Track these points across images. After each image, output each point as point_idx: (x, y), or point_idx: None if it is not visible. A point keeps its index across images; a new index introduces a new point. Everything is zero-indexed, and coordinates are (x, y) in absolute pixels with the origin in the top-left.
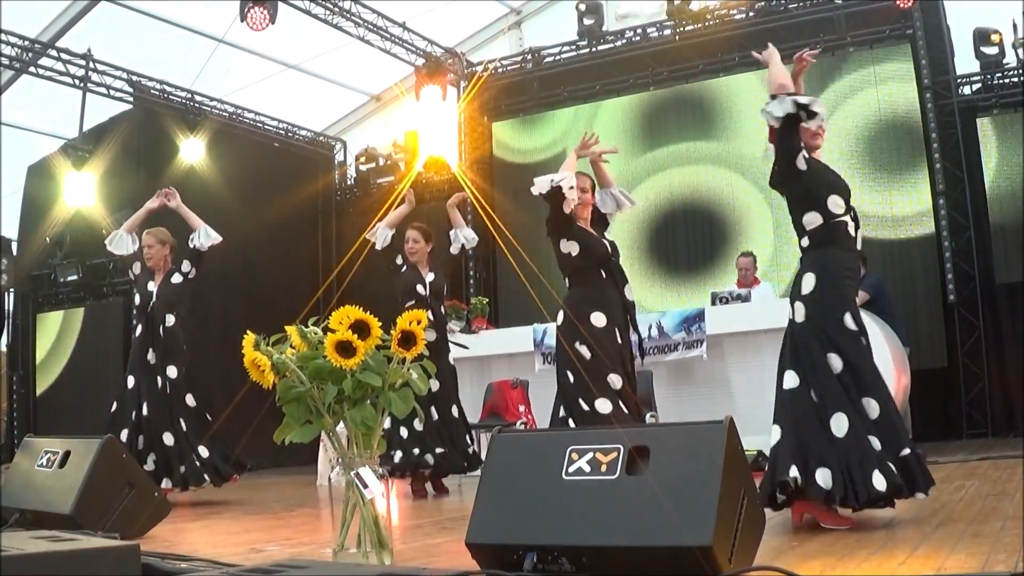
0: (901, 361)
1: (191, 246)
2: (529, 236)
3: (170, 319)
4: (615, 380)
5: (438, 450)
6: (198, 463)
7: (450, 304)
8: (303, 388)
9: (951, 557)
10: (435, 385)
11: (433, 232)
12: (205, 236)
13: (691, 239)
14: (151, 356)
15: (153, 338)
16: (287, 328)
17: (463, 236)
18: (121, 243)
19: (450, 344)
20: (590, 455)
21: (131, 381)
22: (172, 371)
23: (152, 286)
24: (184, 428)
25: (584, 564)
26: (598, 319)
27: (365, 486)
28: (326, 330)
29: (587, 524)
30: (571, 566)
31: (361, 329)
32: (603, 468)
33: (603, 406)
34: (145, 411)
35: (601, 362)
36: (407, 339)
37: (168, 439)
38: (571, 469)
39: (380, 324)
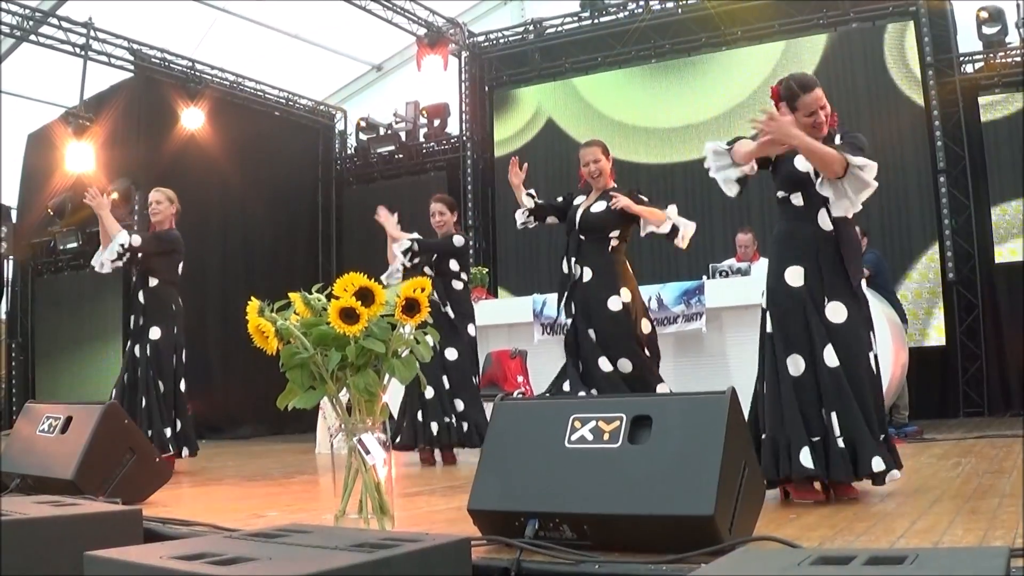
0: (899, 338)
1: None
2: None
3: (152, 281)
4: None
5: (445, 420)
6: (166, 434)
7: None
8: (306, 354)
9: (948, 532)
10: (452, 355)
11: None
12: (110, 252)
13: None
14: (132, 321)
15: (134, 302)
16: (291, 295)
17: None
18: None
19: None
20: (593, 423)
21: (128, 345)
22: (155, 332)
23: None
24: (160, 392)
25: (585, 532)
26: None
27: (367, 452)
28: (330, 297)
29: (589, 492)
30: (572, 533)
31: (365, 296)
32: (605, 437)
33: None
34: (127, 377)
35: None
36: (411, 306)
37: (142, 404)
38: (573, 437)
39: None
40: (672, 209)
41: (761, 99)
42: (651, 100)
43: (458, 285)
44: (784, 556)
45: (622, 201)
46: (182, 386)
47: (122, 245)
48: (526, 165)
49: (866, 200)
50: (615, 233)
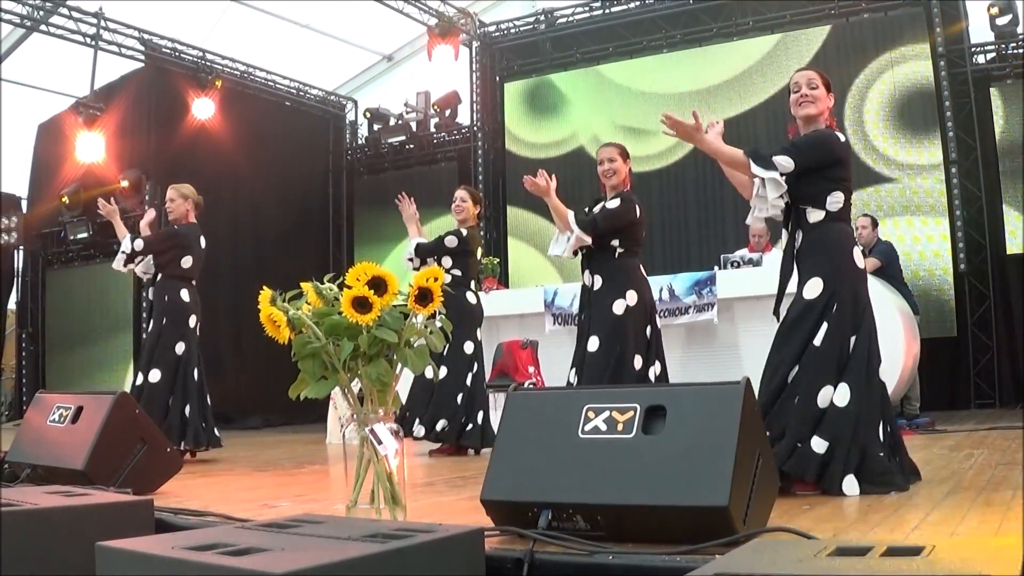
0: (911, 329)
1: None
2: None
3: (159, 276)
4: None
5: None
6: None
7: None
8: (318, 344)
9: (963, 523)
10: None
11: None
12: (117, 260)
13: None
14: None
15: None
16: (303, 284)
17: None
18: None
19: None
20: (606, 414)
21: None
22: (151, 325)
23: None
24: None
25: (599, 522)
26: None
27: (380, 442)
28: (342, 286)
29: (603, 482)
30: (586, 524)
31: (378, 285)
32: (619, 427)
33: None
34: None
35: None
36: (424, 296)
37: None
38: (587, 427)
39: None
40: (571, 215)
41: (763, 72)
42: (661, 68)
43: (445, 279)
44: (800, 547)
45: (531, 182)
46: (152, 377)
47: (123, 251)
48: (554, 176)
49: (878, 190)
50: (615, 241)
